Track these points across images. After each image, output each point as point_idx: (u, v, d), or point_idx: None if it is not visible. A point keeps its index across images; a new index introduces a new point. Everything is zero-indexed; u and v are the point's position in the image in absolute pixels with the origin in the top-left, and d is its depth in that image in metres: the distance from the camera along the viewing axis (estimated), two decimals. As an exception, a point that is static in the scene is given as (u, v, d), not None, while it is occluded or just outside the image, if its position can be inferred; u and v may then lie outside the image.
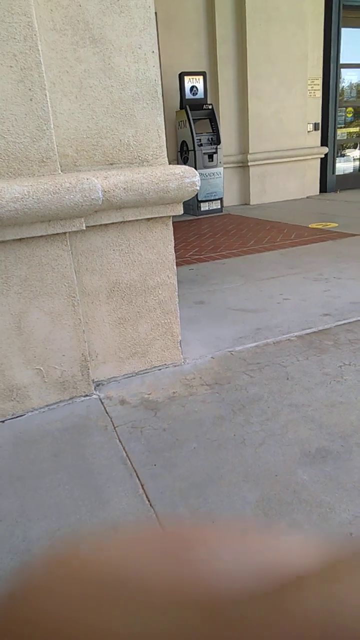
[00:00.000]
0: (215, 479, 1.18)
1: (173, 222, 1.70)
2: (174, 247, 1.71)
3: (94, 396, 1.63)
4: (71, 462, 1.29)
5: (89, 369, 1.62)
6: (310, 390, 1.55)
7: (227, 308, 2.44)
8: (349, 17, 6.97)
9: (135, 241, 1.62)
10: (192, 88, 5.74)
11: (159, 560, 0.10)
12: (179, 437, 1.36)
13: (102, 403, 1.59)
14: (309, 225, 4.67)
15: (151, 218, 1.62)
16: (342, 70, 7.26)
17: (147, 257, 1.66)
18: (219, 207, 6.11)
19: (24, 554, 1.00)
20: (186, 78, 5.67)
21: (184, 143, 5.97)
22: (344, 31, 7.04)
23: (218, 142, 5.85)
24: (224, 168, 6.06)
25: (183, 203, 1.65)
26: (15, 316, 1.45)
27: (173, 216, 1.67)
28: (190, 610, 0.09)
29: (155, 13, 1.53)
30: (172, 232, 1.69)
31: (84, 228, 1.46)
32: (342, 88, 7.50)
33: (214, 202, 6.05)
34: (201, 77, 5.76)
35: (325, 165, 7.42)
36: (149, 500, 1.12)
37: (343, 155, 7.88)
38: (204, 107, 5.79)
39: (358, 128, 7.87)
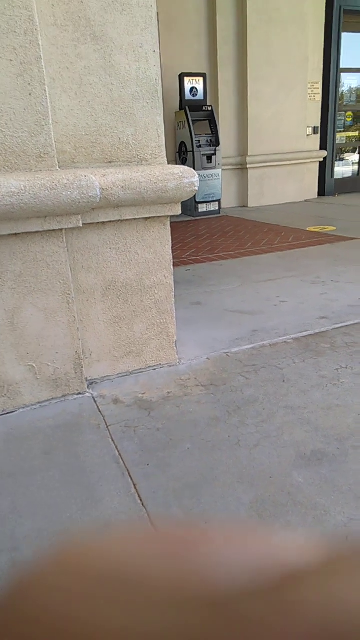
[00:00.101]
0: (210, 480, 1.17)
1: (170, 223, 1.69)
2: (171, 247, 1.70)
3: (87, 394, 1.62)
4: (63, 460, 1.28)
5: (82, 367, 1.61)
6: (306, 393, 1.55)
7: (223, 309, 2.43)
8: (349, 21, 7.01)
9: (132, 240, 1.61)
10: (192, 89, 5.74)
11: (159, 558, 0.10)
12: (173, 437, 1.35)
13: (95, 401, 1.58)
14: (307, 229, 4.67)
15: (149, 217, 1.61)
16: (342, 74, 7.30)
17: (144, 256, 1.65)
18: (217, 208, 6.11)
19: (14, 551, 0.98)
20: (186, 79, 5.68)
21: (182, 144, 5.97)
22: (344, 36, 7.08)
23: (217, 143, 5.86)
24: (222, 170, 6.06)
25: (181, 204, 1.64)
26: (9, 312, 1.44)
27: (171, 216, 1.66)
28: (191, 607, 0.09)
29: (157, 14, 1.53)
30: (170, 232, 1.69)
31: (81, 225, 1.45)
32: (342, 92, 7.53)
33: (211, 203, 6.05)
34: (201, 79, 5.77)
35: (324, 169, 7.44)
36: (141, 500, 1.11)
37: (342, 160, 7.92)
38: (204, 108, 5.79)
39: (357, 132, 7.91)
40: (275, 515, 1.05)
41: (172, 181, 1.54)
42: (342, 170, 7.90)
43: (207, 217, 5.96)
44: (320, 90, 7.10)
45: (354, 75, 7.54)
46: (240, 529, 0.11)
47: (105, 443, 1.34)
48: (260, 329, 2.12)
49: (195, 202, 5.88)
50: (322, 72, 7.05)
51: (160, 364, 1.80)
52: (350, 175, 8.02)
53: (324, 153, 7.30)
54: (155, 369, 1.79)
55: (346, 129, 7.78)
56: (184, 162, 5.96)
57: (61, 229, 1.43)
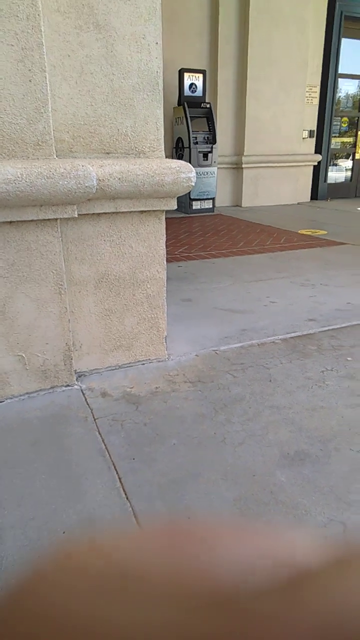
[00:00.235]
0: (194, 476, 1.18)
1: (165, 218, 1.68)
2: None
3: (76, 387, 1.61)
4: (49, 452, 1.27)
5: (72, 359, 1.60)
6: (292, 394, 1.57)
7: (214, 307, 2.44)
8: (350, 27, 7.05)
9: (127, 233, 1.61)
10: (191, 85, 5.72)
11: (160, 555, 0.11)
12: (159, 433, 1.35)
13: (84, 394, 1.57)
14: (299, 231, 4.71)
15: (144, 211, 1.60)
16: (339, 80, 7.34)
17: (137, 250, 1.64)
18: (211, 206, 6.11)
19: (-4, 543, 0.98)
20: (186, 75, 5.66)
21: (179, 140, 5.95)
22: (344, 41, 7.12)
23: (214, 141, 5.85)
24: (218, 168, 6.06)
25: (176, 200, 1.64)
26: (0, 300, 1.42)
27: (166, 211, 1.65)
28: (192, 604, 0.09)
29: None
30: (165, 226, 1.68)
31: (76, 216, 1.43)
32: (339, 97, 7.58)
33: (206, 201, 6.05)
34: (201, 75, 5.75)
35: (318, 173, 7.49)
36: (125, 494, 1.11)
37: (336, 165, 7.98)
38: (202, 105, 5.78)
39: (352, 138, 7.97)
40: (257, 514, 1.06)
41: (169, 175, 1.54)
42: (335, 175, 7.96)
43: (201, 214, 5.96)
44: (318, 94, 7.14)
45: (351, 81, 7.60)
46: (239, 526, 0.11)
47: (92, 436, 1.34)
48: (250, 328, 2.13)
49: (190, 199, 5.88)
50: (320, 76, 7.08)
51: (149, 359, 1.80)
52: (343, 180, 8.08)
53: (319, 157, 7.35)
54: (144, 364, 1.78)
55: (341, 134, 7.84)
56: (180, 158, 5.94)
57: (56, 219, 1.41)
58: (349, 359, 1.82)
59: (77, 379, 1.65)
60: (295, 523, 1.03)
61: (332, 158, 7.78)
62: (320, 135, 7.36)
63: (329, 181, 7.75)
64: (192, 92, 5.74)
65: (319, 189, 7.58)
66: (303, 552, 0.10)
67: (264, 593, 0.09)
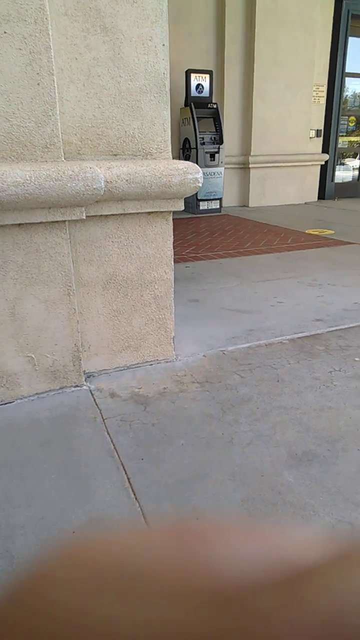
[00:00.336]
0: (202, 476, 1.18)
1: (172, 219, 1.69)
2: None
3: (84, 387, 1.62)
4: (58, 452, 1.28)
5: (80, 360, 1.61)
6: (299, 394, 1.56)
7: (221, 308, 2.44)
8: (356, 26, 7.01)
9: (134, 234, 1.61)
10: (197, 86, 5.72)
11: (165, 552, 0.11)
12: (167, 433, 1.36)
13: (92, 395, 1.58)
14: (306, 231, 4.69)
15: (152, 212, 1.61)
16: (347, 79, 7.30)
17: (145, 251, 1.65)
18: (218, 207, 6.11)
19: (6, 540, 0.99)
20: (193, 75, 5.66)
21: (186, 140, 5.95)
22: (351, 40, 7.08)
23: (221, 141, 5.85)
24: (224, 168, 6.06)
25: (183, 200, 1.65)
26: (10, 302, 1.44)
27: (173, 212, 1.66)
28: (197, 601, 0.09)
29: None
30: (172, 227, 1.69)
31: (84, 217, 1.44)
32: (346, 97, 7.54)
33: (213, 201, 6.05)
34: (207, 76, 5.75)
35: (325, 172, 7.45)
36: (134, 494, 1.12)
37: (343, 164, 7.93)
38: (209, 106, 5.78)
39: (359, 137, 7.93)
40: (265, 514, 1.06)
41: (176, 176, 1.54)
42: (343, 174, 7.92)
43: (208, 215, 5.96)
44: (324, 94, 7.11)
45: (358, 80, 7.55)
46: (244, 525, 0.11)
47: (100, 436, 1.35)
48: (257, 329, 2.13)
49: (197, 199, 5.88)
50: (327, 75, 7.05)
51: (157, 360, 1.81)
52: (351, 180, 8.04)
53: (326, 156, 7.31)
54: (152, 364, 1.79)
55: (348, 133, 7.79)
56: (187, 158, 5.95)
57: (64, 221, 1.43)
58: (356, 359, 1.81)
59: (85, 380, 1.66)
60: (303, 524, 1.03)
61: (339, 157, 7.74)
62: (328, 135, 7.33)
63: (336, 180, 7.71)
64: (199, 92, 5.75)
65: (326, 189, 7.54)
66: (310, 552, 0.10)
67: (268, 591, 0.09)
